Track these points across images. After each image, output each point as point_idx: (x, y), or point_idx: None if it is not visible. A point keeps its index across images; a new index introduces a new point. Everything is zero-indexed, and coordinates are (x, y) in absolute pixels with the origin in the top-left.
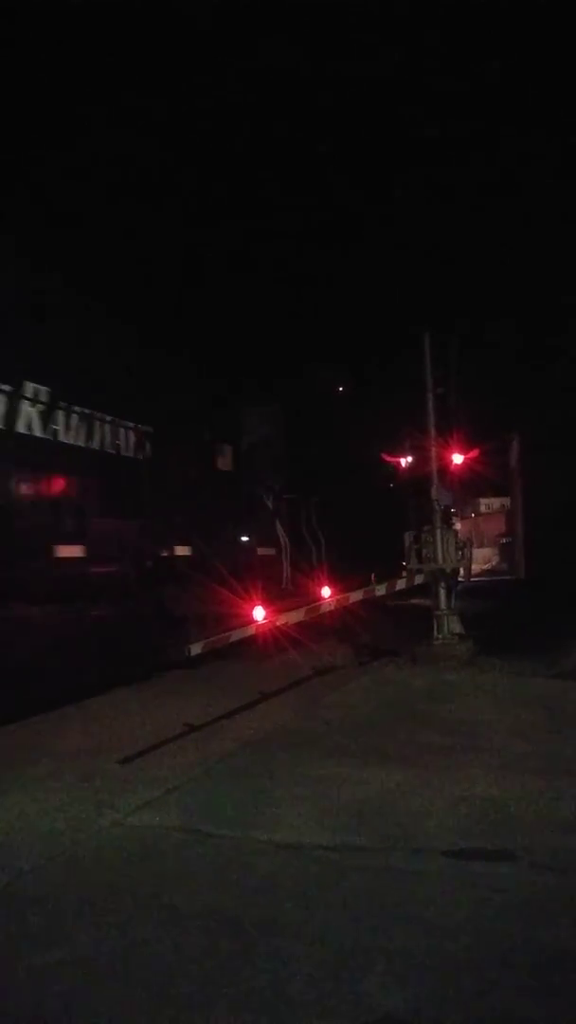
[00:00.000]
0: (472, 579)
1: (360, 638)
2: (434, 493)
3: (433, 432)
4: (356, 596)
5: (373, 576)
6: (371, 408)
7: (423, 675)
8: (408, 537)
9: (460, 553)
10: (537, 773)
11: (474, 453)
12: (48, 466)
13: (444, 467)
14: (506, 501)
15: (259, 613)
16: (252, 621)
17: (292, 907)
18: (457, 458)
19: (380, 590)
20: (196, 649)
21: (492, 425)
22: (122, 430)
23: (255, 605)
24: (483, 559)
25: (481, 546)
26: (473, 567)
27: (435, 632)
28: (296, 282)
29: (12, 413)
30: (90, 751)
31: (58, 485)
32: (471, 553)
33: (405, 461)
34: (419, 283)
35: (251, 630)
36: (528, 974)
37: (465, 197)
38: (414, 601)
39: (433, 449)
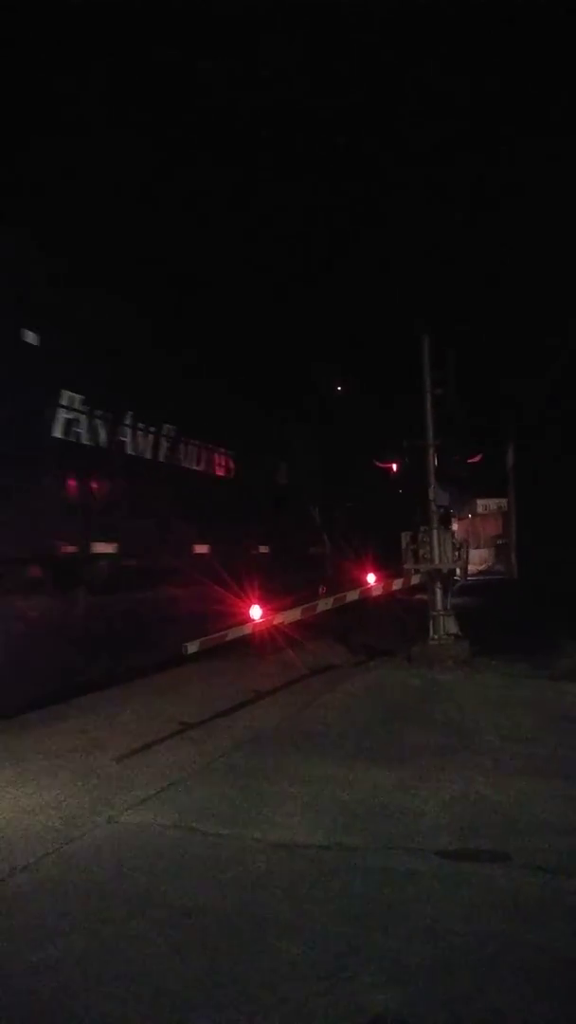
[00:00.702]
0: (467, 579)
1: (356, 638)
2: (431, 494)
3: (431, 433)
4: (352, 596)
5: (368, 577)
6: (366, 411)
7: (419, 675)
8: (405, 537)
9: (457, 554)
10: (531, 774)
11: (477, 458)
12: (180, 486)
13: (441, 468)
14: (503, 503)
15: (256, 612)
16: (249, 620)
17: (286, 906)
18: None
19: (376, 591)
20: (193, 647)
21: (490, 427)
22: (218, 455)
23: (252, 603)
24: (479, 560)
25: (478, 547)
26: (469, 567)
27: (431, 632)
28: (296, 284)
29: (157, 446)
30: (86, 749)
31: (190, 499)
32: (468, 554)
33: (396, 466)
34: (418, 285)
35: (247, 629)
36: (521, 975)
37: (464, 197)
38: (418, 596)
39: (431, 450)
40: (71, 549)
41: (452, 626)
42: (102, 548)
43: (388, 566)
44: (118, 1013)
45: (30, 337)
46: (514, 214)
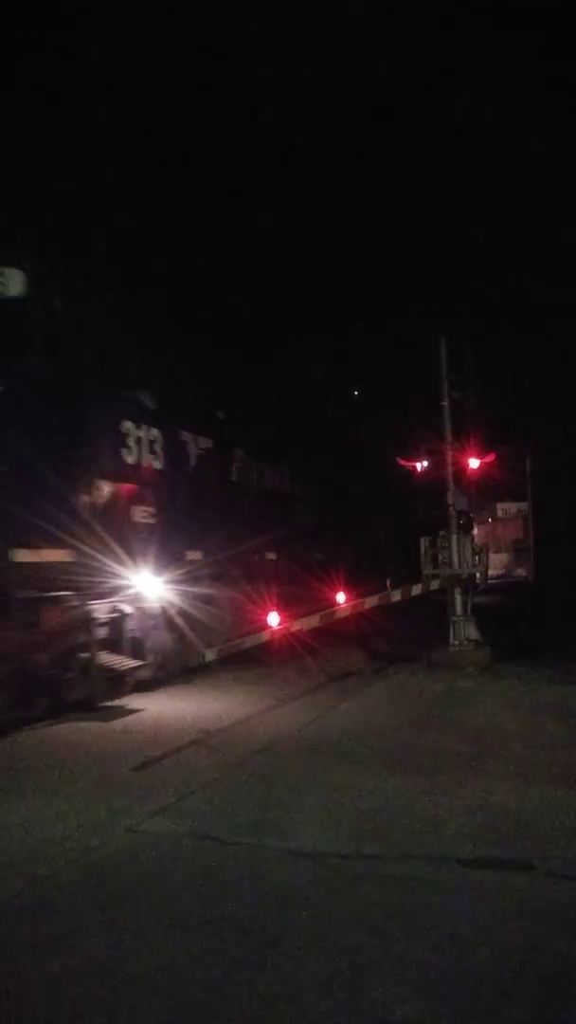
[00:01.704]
0: (487, 583)
1: (375, 644)
2: (450, 498)
3: (449, 436)
4: (371, 601)
5: (388, 582)
6: (383, 413)
7: (439, 681)
8: (424, 542)
9: (476, 558)
10: (554, 782)
11: (491, 458)
12: (257, 502)
13: (460, 471)
14: (523, 506)
15: (274, 619)
16: (267, 627)
17: (306, 915)
18: (473, 462)
19: (395, 596)
20: (211, 655)
21: (509, 430)
22: (271, 473)
23: (270, 611)
24: (499, 564)
25: (498, 551)
26: (489, 572)
27: (451, 638)
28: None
29: (228, 467)
30: (105, 758)
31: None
32: (487, 558)
33: (420, 465)
34: (435, 287)
35: (265, 636)
36: (545, 984)
37: (482, 198)
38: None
39: (449, 453)
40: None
41: (472, 631)
42: (192, 555)
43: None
44: (138, 1022)
45: (220, 415)
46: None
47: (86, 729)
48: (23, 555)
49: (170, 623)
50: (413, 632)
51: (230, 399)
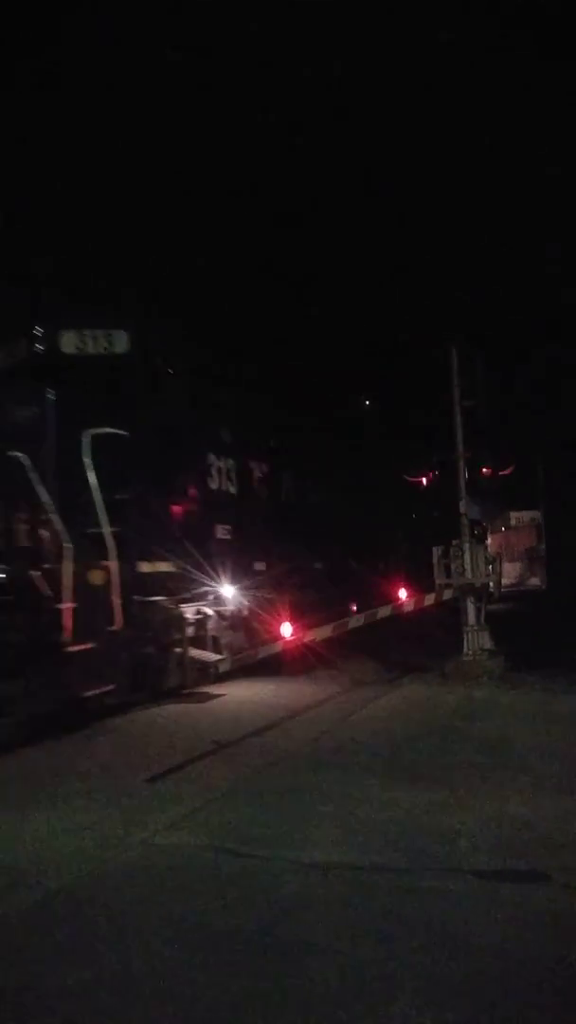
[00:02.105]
0: (501, 592)
1: (389, 654)
2: (462, 507)
3: (461, 445)
4: (384, 612)
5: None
6: (391, 425)
7: (453, 691)
8: (436, 552)
9: (490, 568)
10: (570, 792)
11: (508, 470)
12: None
13: (473, 480)
14: (536, 515)
15: (287, 630)
16: (280, 638)
17: (321, 927)
18: (486, 472)
19: (408, 606)
20: (224, 666)
21: (522, 438)
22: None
23: (283, 621)
24: (513, 573)
25: (512, 560)
26: (503, 581)
27: (465, 647)
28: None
29: (279, 488)
30: (119, 769)
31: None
32: (501, 568)
33: (426, 480)
34: (445, 296)
35: (278, 647)
36: (563, 997)
37: (493, 209)
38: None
39: (461, 462)
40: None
41: (486, 641)
42: (259, 566)
43: (419, 581)
44: None
45: (272, 442)
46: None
47: (100, 739)
48: (143, 567)
49: (242, 623)
50: (426, 641)
51: (276, 427)
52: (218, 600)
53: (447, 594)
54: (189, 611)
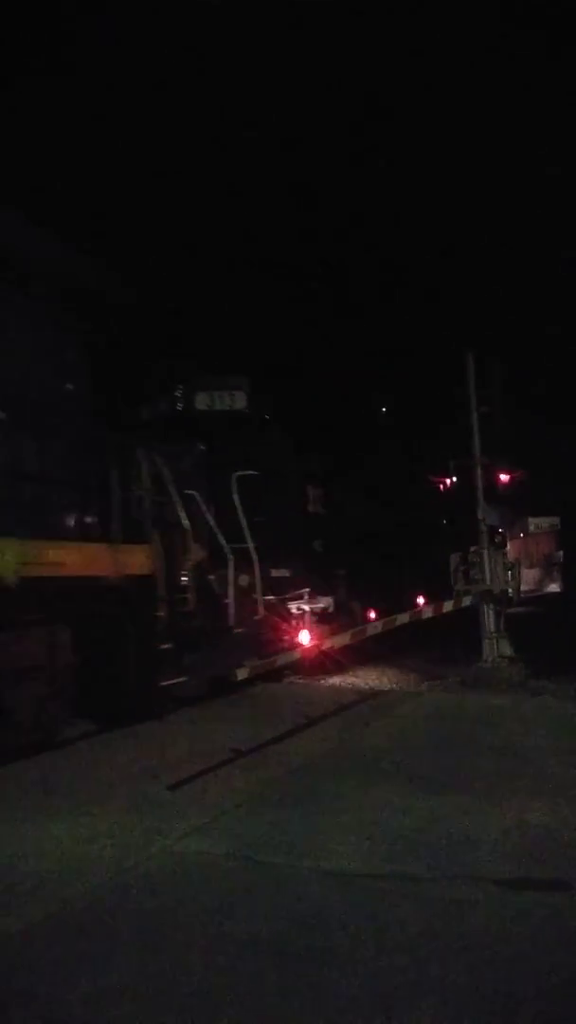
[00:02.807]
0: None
1: (408, 661)
2: (480, 513)
3: (478, 451)
4: (403, 619)
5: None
6: (411, 429)
7: (472, 699)
8: (455, 558)
9: (509, 574)
10: None
11: (520, 474)
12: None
13: (491, 487)
14: (556, 521)
15: (305, 637)
16: (298, 645)
17: (341, 937)
18: (503, 478)
19: (427, 613)
20: (243, 674)
21: (538, 445)
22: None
23: (301, 629)
24: (532, 579)
25: (531, 566)
26: (521, 587)
27: (484, 655)
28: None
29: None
30: (137, 776)
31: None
32: (520, 574)
33: (450, 481)
34: (463, 303)
35: (297, 654)
36: None
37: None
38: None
39: (479, 468)
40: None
41: (506, 648)
42: (340, 572)
43: (438, 588)
44: None
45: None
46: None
47: (119, 746)
48: (273, 572)
49: (326, 617)
50: (445, 649)
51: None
52: (311, 598)
53: (466, 601)
54: (293, 607)
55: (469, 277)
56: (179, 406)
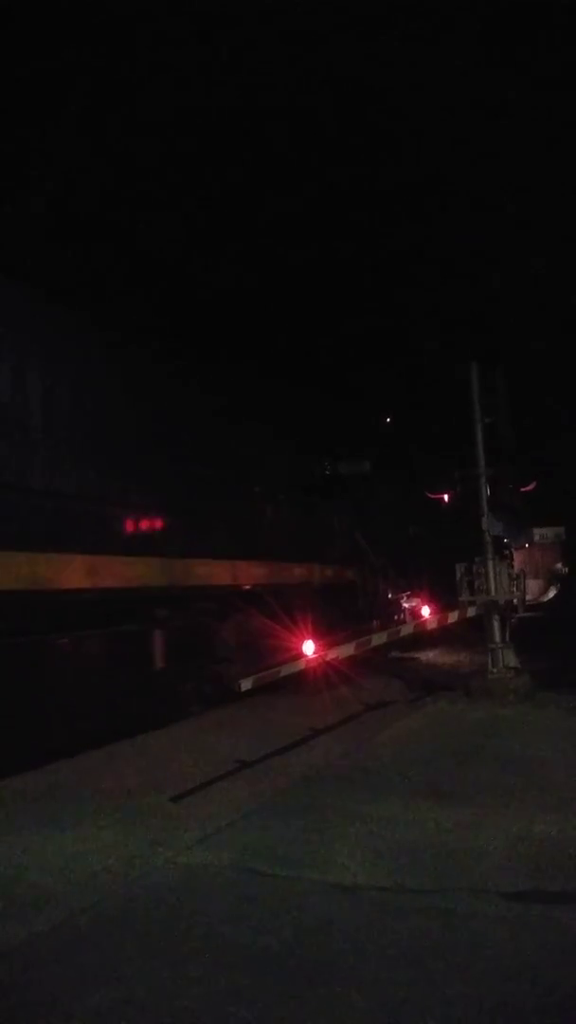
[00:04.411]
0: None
1: (412, 672)
2: (484, 524)
3: (483, 462)
4: (407, 629)
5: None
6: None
7: (478, 710)
8: (460, 569)
9: (514, 584)
10: None
11: (530, 486)
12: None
13: (495, 497)
14: (560, 531)
15: (309, 647)
16: (302, 655)
17: (346, 950)
18: (509, 488)
19: (431, 624)
20: (246, 684)
21: (544, 455)
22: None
23: (305, 639)
24: (537, 590)
25: (536, 577)
26: (527, 597)
27: (489, 666)
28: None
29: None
30: (142, 788)
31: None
32: (525, 584)
33: (448, 497)
34: (465, 313)
35: (301, 665)
36: None
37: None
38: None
39: (483, 479)
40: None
41: (511, 659)
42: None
43: (443, 598)
44: None
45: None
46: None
47: (124, 757)
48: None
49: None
50: (450, 660)
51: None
52: (408, 597)
53: (471, 611)
54: (403, 603)
55: (472, 286)
56: (327, 471)
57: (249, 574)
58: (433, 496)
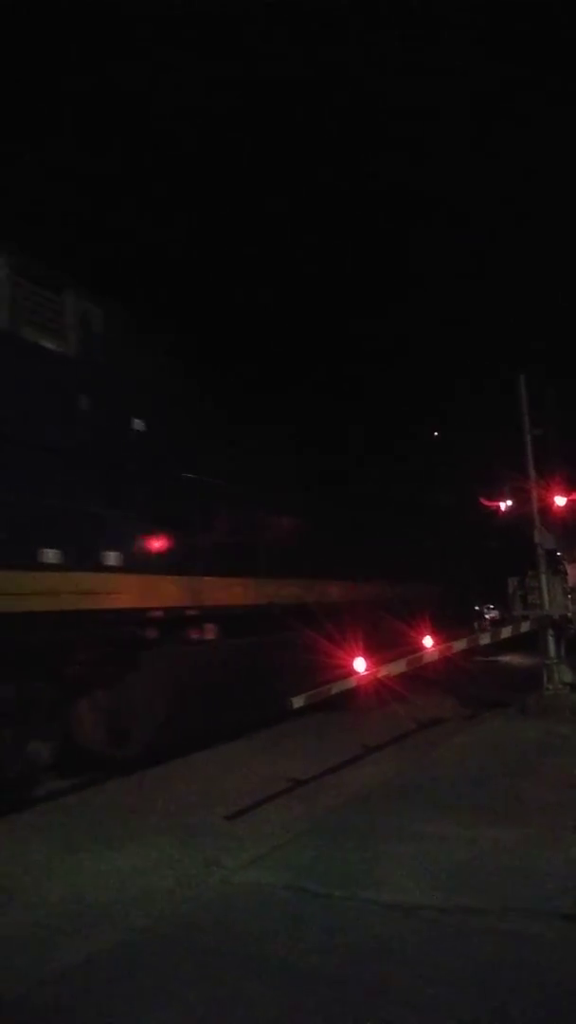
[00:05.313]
0: None
1: (466, 689)
2: (536, 537)
3: (533, 474)
4: (459, 645)
5: (477, 624)
6: (463, 451)
7: (533, 728)
8: (512, 583)
9: (569, 598)
10: None
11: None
12: None
13: (545, 509)
14: None
15: (360, 665)
16: (353, 673)
17: (403, 971)
18: (560, 500)
19: (485, 639)
20: (298, 702)
21: None
22: None
23: (356, 656)
24: None
25: None
26: None
27: (545, 682)
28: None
29: None
30: (196, 806)
31: None
32: None
33: (504, 505)
34: (514, 323)
35: (352, 682)
36: None
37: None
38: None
39: (533, 491)
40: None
41: (567, 675)
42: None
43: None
44: None
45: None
46: None
47: (177, 775)
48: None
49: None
50: (504, 676)
51: None
52: (491, 609)
53: (524, 626)
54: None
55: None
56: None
57: (365, 592)
58: (489, 504)
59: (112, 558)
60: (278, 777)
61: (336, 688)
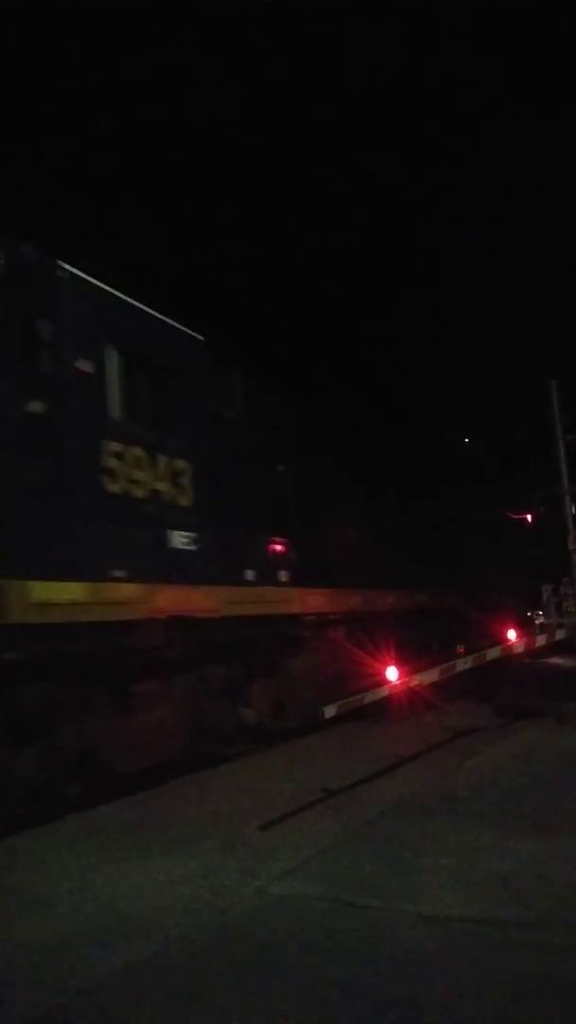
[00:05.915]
0: None
1: (500, 698)
2: (571, 543)
3: (565, 480)
4: (493, 654)
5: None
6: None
7: (568, 738)
8: (546, 590)
9: None
10: None
11: None
12: None
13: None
14: None
15: (392, 674)
16: (386, 682)
17: (441, 984)
18: None
19: (518, 647)
20: (331, 711)
21: None
22: None
23: (388, 665)
24: None
25: None
26: None
27: None
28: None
29: None
30: (230, 816)
31: None
32: None
33: (531, 517)
34: (544, 330)
35: (385, 691)
36: None
37: None
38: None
39: (567, 498)
40: None
41: None
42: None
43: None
44: None
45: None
46: None
47: (211, 786)
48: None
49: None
50: (540, 684)
51: None
52: (537, 613)
53: (559, 634)
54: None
55: (550, 301)
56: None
57: (414, 600)
58: (516, 516)
59: (283, 576)
60: (311, 787)
61: (369, 697)
